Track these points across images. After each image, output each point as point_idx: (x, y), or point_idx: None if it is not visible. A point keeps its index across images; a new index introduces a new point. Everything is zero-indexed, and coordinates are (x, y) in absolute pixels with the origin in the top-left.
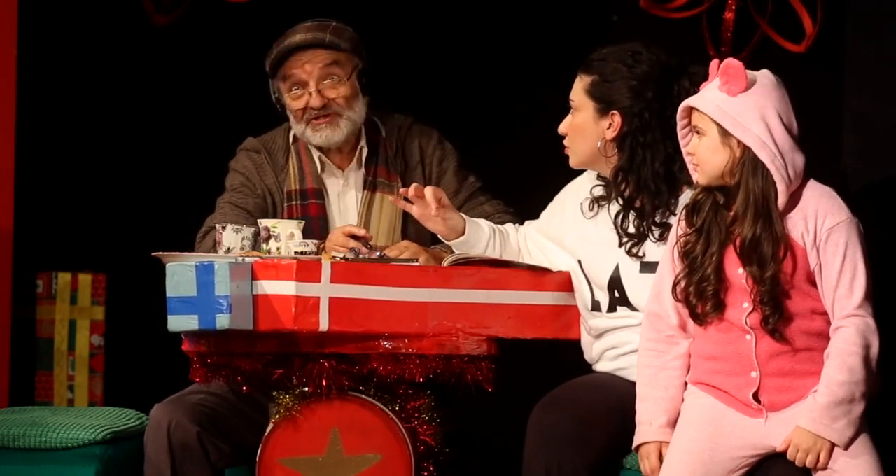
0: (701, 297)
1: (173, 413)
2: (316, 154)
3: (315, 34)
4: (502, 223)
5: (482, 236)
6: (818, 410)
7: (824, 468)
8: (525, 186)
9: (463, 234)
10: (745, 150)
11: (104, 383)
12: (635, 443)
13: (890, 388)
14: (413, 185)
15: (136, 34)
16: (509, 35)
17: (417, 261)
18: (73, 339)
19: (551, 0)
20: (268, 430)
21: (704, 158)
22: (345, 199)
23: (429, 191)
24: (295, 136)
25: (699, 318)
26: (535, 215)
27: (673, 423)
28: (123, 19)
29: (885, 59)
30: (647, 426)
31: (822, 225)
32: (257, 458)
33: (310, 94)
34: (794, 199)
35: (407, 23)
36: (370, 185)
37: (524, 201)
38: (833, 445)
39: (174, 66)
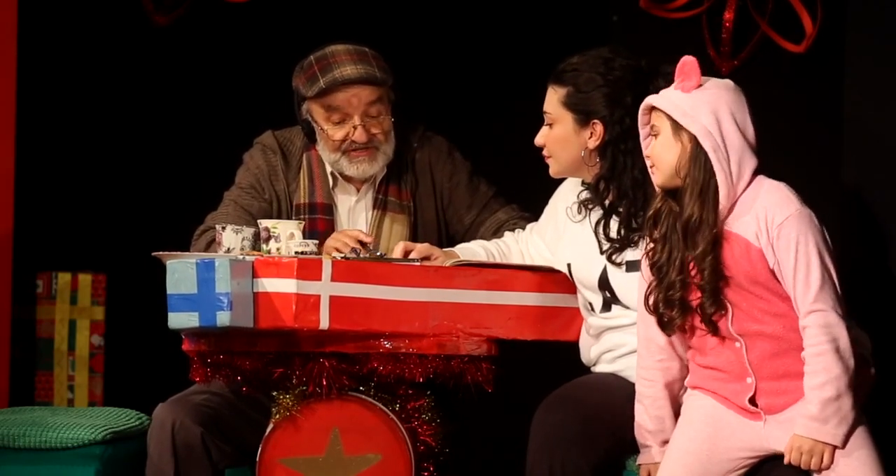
0: (668, 304)
1: (177, 413)
2: (329, 169)
3: (366, 69)
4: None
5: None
6: (808, 416)
7: (828, 468)
8: (532, 187)
9: None
10: (693, 141)
11: (104, 383)
12: (642, 461)
13: (890, 385)
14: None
15: (136, 34)
16: (509, 35)
17: (418, 261)
18: (73, 339)
19: (551, 0)
20: (268, 430)
21: (658, 156)
22: (355, 217)
23: (398, 250)
24: (309, 145)
25: (667, 327)
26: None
27: None
28: (123, 19)
29: (885, 59)
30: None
31: (771, 222)
32: (257, 458)
33: (354, 127)
34: (744, 199)
35: (407, 23)
36: (381, 204)
37: (536, 202)
38: (833, 447)
39: (174, 66)
